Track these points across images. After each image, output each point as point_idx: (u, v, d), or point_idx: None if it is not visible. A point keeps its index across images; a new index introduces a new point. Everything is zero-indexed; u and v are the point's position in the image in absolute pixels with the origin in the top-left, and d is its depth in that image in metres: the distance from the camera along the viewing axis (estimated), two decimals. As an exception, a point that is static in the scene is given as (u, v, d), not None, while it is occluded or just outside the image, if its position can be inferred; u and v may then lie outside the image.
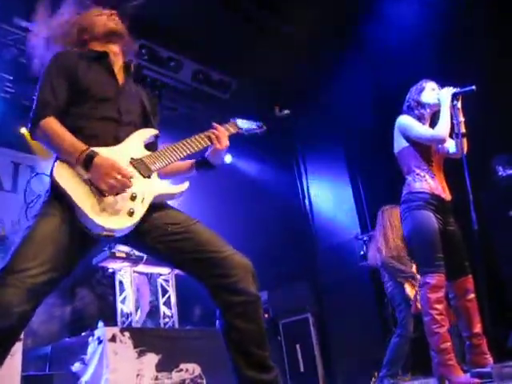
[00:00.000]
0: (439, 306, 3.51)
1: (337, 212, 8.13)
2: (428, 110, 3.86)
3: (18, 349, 4.09)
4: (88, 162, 2.11)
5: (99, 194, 2.11)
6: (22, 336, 4.17)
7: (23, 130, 6.99)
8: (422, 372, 5.60)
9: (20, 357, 4.12)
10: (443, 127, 3.65)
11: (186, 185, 2.37)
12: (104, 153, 2.17)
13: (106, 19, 2.55)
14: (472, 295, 3.66)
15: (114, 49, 2.53)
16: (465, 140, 3.67)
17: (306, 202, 8.70)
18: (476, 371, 3.42)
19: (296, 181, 8.90)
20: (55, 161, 2.21)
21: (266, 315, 7.36)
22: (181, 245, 2.19)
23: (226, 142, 2.49)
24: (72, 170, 2.15)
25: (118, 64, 2.53)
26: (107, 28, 2.53)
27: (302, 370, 6.89)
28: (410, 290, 5.24)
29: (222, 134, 2.49)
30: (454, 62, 5.90)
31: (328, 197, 8.36)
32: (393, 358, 5.15)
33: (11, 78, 6.72)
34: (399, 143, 3.87)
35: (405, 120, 3.82)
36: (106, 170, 2.10)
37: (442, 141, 3.69)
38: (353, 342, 7.14)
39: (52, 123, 2.21)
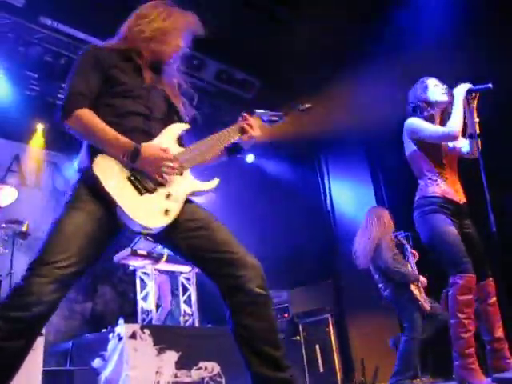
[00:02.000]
0: (468, 310, 3.40)
1: (358, 213, 8.08)
2: (437, 109, 3.76)
3: (39, 344, 4.14)
4: (135, 153, 2.16)
5: (137, 191, 2.17)
6: (43, 331, 4.22)
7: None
8: (443, 374, 5.54)
9: (42, 352, 4.17)
10: (455, 122, 3.53)
11: (216, 182, 2.41)
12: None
13: (177, 45, 2.52)
14: (494, 299, 3.57)
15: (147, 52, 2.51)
16: (479, 141, 3.60)
17: (328, 202, 8.67)
18: (497, 376, 3.36)
19: (318, 181, 8.88)
20: (90, 152, 2.23)
21: (286, 315, 7.34)
22: (197, 242, 2.22)
23: (258, 130, 2.54)
24: (113, 163, 2.19)
25: (148, 63, 2.51)
26: (169, 56, 2.52)
27: (321, 370, 6.86)
28: (416, 292, 5.15)
29: (254, 122, 2.54)
30: (481, 58, 5.81)
31: (350, 197, 8.32)
32: (406, 364, 4.95)
33: (36, 75, 6.78)
34: (409, 146, 3.79)
35: (413, 122, 3.74)
36: (156, 161, 2.18)
37: (455, 137, 3.56)
38: (372, 343, 7.11)
39: (89, 114, 2.22)
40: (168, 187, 2.23)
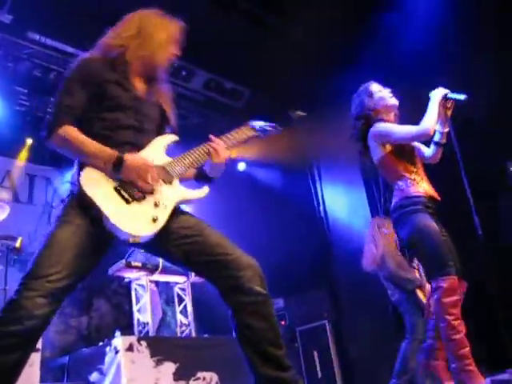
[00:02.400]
0: (455, 311, 3.36)
1: (352, 218, 8.09)
2: (392, 114, 3.79)
3: (36, 359, 4.13)
4: (119, 162, 2.17)
5: (125, 200, 2.18)
6: (39, 346, 4.20)
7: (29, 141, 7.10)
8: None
9: (38, 367, 4.16)
10: (430, 120, 3.49)
11: (206, 190, 2.43)
12: None
13: (170, 52, 2.52)
14: (461, 298, 3.54)
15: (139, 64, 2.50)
16: (441, 150, 3.65)
17: (321, 208, 8.67)
18: (495, 378, 3.37)
19: (310, 187, 8.87)
20: (80, 166, 2.25)
21: (283, 322, 7.33)
22: (192, 248, 2.25)
23: (224, 155, 2.46)
24: (99, 175, 2.20)
25: (139, 73, 2.51)
26: (162, 64, 2.53)
27: (319, 376, 6.85)
28: (422, 297, 5.24)
29: (220, 146, 2.47)
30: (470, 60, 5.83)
31: (343, 203, 8.32)
32: (402, 366, 5.04)
33: (26, 91, 6.78)
34: (378, 152, 3.73)
35: (381, 126, 3.69)
36: (140, 167, 2.19)
37: (429, 135, 3.53)
38: (371, 348, 7.10)
39: (71, 130, 2.24)
40: (156, 195, 2.24)
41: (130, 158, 2.20)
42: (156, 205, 2.22)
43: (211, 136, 2.52)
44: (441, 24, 6.12)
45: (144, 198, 2.21)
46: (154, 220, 2.19)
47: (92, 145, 2.21)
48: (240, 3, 6.41)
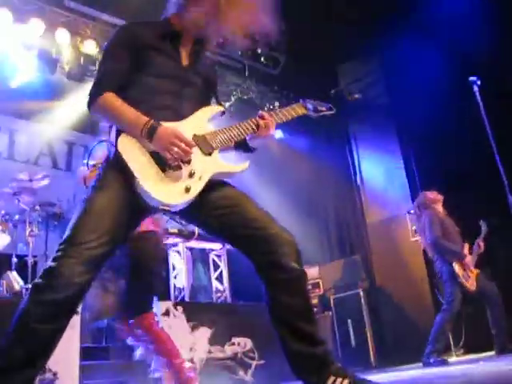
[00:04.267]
0: None
1: (388, 187, 8.03)
2: None
3: (76, 322, 4.24)
4: (152, 132, 2.13)
5: (161, 168, 2.14)
6: (79, 310, 4.31)
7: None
8: (474, 348, 5.56)
9: (78, 330, 4.27)
10: None
11: (247, 164, 2.35)
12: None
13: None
14: None
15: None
16: None
17: (358, 177, 8.62)
18: None
19: (347, 156, 8.82)
20: (117, 132, 2.21)
21: (318, 290, 7.37)
22: (229, 219, 2.20)
23: (273, 131, 2.46)
24: (136, 142, 2.17)
25: (187, 42, 2.44)
26: (200, 28, 2.36)
27: (353, 345, 6.89)
28: (458, 269, 5.25)
29: (271, 122, 2.45)
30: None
31: (379, 171, 8.26)
32: (438, 333, 5.14)
33: (64, 59, 6.81)
34: None
35: None
36: (169, 139, 2.12)
37: None
38: (404, 317, 7.11)
39: (111, 98, 2.22)
40: (192, 166, 2.19)
41: (164, 128, 2.14)
42: (191, 175, 2.17)
43: (262, 112, 2.47)
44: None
45: (180, 166, 2.16)
46: (187, 190, 2.14)
47: (131, 113, 2.18)
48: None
